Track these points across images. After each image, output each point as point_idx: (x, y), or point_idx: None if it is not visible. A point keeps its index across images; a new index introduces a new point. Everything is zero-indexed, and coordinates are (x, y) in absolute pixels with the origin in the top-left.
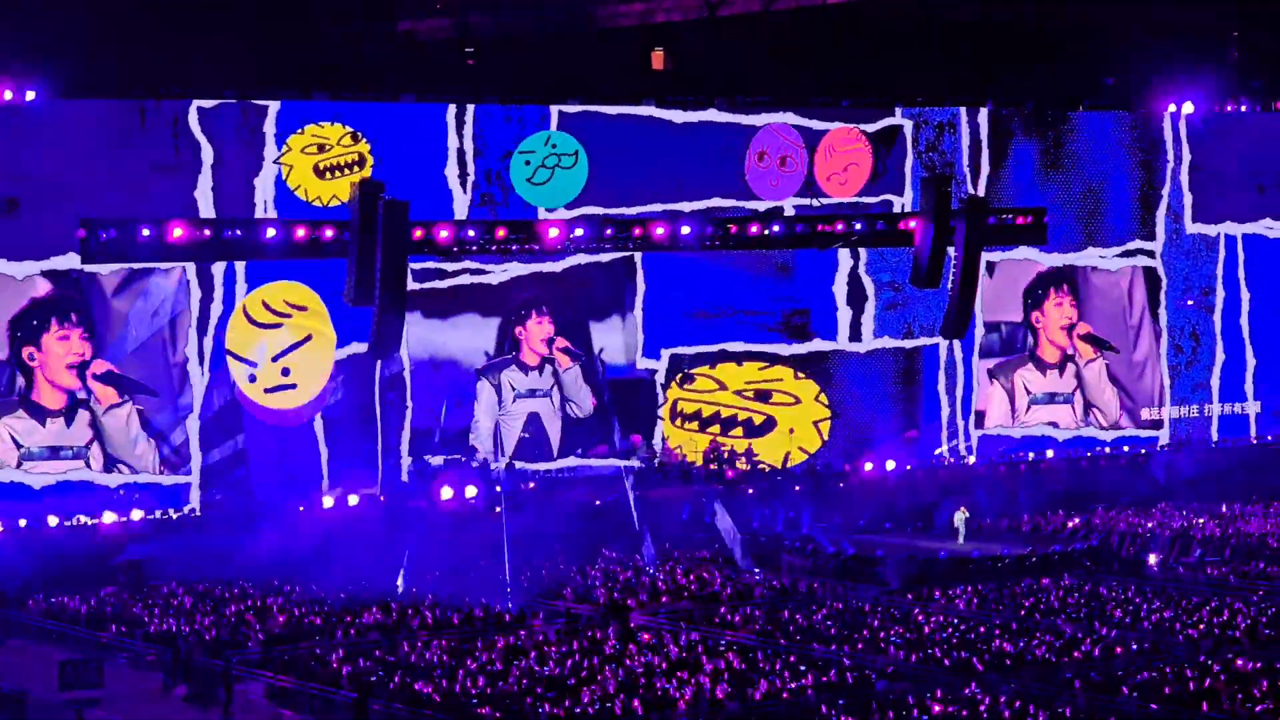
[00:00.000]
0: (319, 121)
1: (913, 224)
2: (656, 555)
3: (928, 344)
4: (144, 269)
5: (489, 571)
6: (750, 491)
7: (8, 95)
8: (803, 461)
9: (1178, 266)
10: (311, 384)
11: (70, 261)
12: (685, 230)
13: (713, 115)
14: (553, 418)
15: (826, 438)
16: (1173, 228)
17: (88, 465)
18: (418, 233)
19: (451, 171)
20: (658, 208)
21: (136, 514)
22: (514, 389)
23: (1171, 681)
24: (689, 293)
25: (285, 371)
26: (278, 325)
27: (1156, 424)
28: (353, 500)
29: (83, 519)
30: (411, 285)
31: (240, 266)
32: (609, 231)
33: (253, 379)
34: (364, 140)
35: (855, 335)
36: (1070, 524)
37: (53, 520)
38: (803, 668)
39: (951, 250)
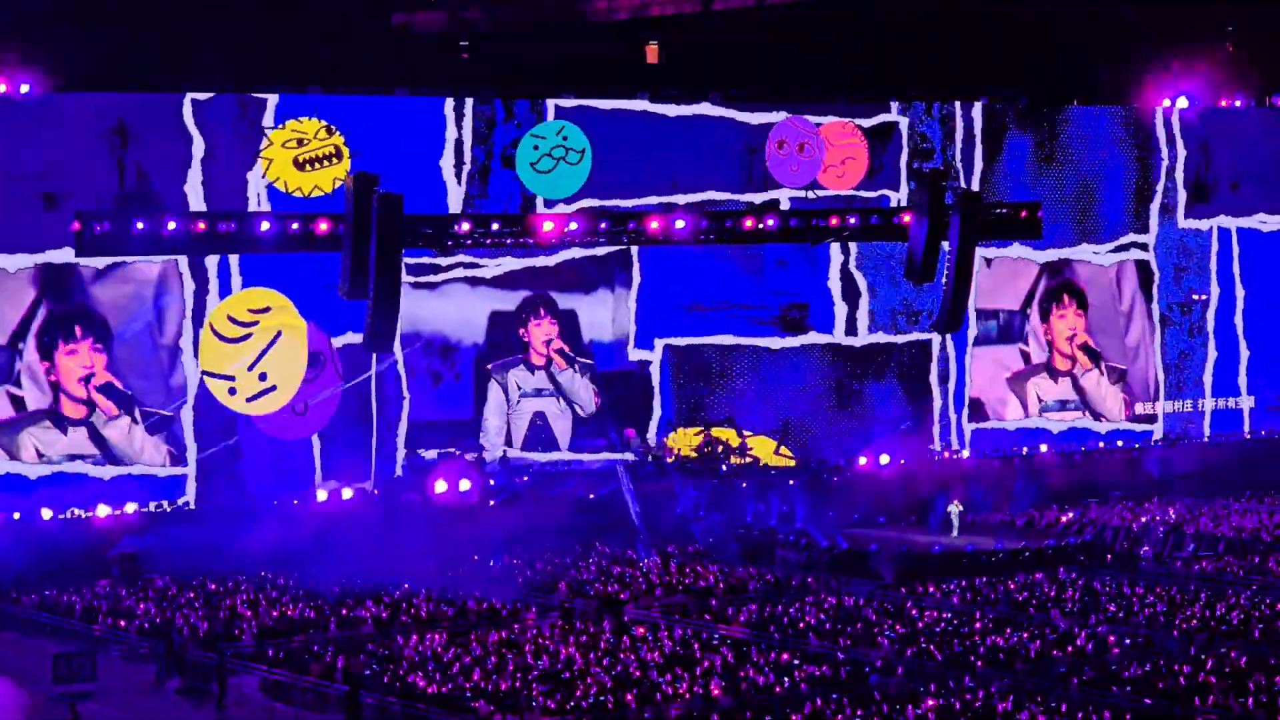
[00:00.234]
0: (299, 116)
1: (907, 218)
2: (652, 551)
3: (921, 338)
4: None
5: (483, 564)
6: (744, 485)
7: (1, 88)
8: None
9: (1171, 261)
10: (290, 380)
11: (65, 255)
12: (680, 224)
13: (707, 109)
14: (559, 416)
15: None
16: (1166, 222)
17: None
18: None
19: (447, 164)
20: (653, 200)
21: (131, 507)
22: (520, 388)
23: (1164, 676)
24: (684, 286)
25: (263, 376)
26: (247, 336)
27: (1150, 418)
28: (346, 494)
29: (77, 512)
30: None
31: (234, 259)
32: (604, 225)
33: (233, 391)
34: (339, 134)
35: (851, 329)
36: (1064, 518)
37: (47, 513)
38: (796, 662)
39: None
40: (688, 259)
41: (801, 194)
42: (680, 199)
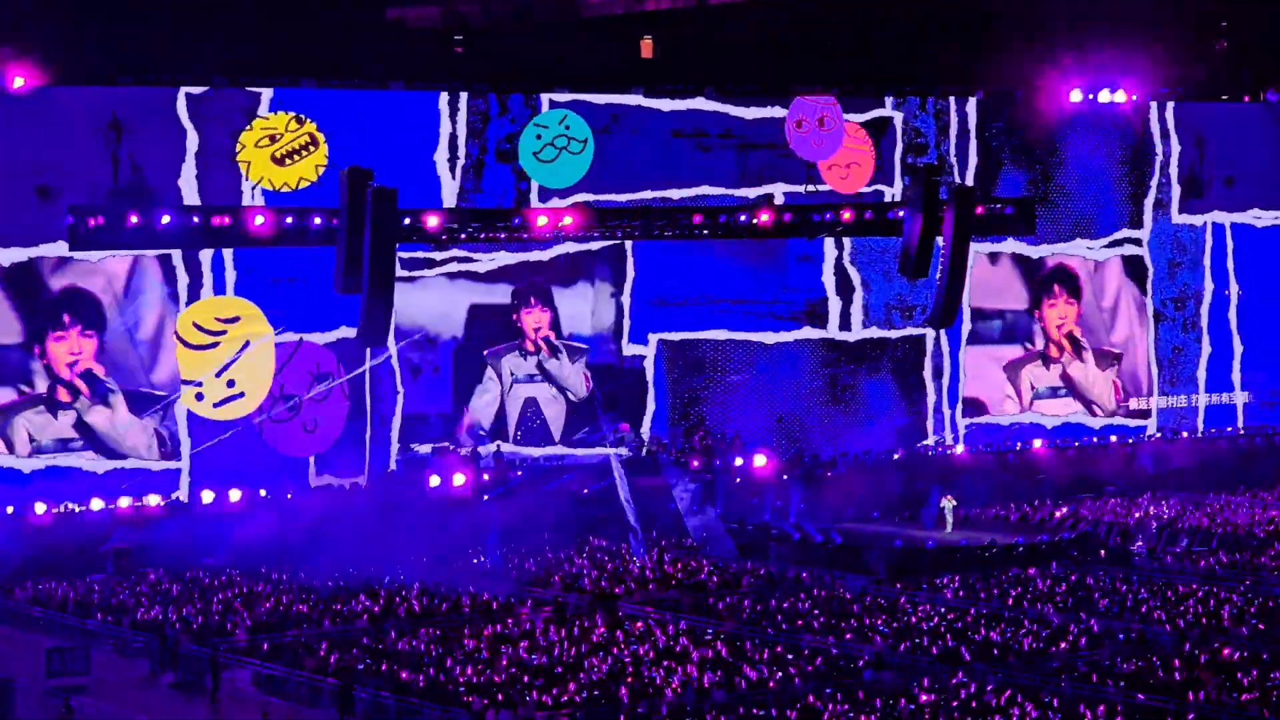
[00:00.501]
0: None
1: (901, 214)
2: (645, 546)
3: (915, 333)
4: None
5: (477, 559)
6: (738, 480)
7: None
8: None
9: (1165, 256)
10: (258, 387)
11: (59, 249)
12: (674, 220)
13: (701, 104)
14: (551, 402)
15: None
16: (1160, 218)
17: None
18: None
19: (441, 158)
20: (647, 195)
21: (124, 501)
22: (513, 375)
23: (1157, 671)
24: (678, 281)
25: (230, 383)
26: (214, 344)
27: (1144, 413)
28: (341, 485)
29: (71, 506)
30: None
31: (228, 251)
32: (598, 220)
33: (200, 397)
34: (310, 122)
35: (845, 324)
36: (1058, 513)
37: (40, 507)
38: (789, 656)
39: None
40: (681, 253)
41: (800, 189)
42: (675, 194)
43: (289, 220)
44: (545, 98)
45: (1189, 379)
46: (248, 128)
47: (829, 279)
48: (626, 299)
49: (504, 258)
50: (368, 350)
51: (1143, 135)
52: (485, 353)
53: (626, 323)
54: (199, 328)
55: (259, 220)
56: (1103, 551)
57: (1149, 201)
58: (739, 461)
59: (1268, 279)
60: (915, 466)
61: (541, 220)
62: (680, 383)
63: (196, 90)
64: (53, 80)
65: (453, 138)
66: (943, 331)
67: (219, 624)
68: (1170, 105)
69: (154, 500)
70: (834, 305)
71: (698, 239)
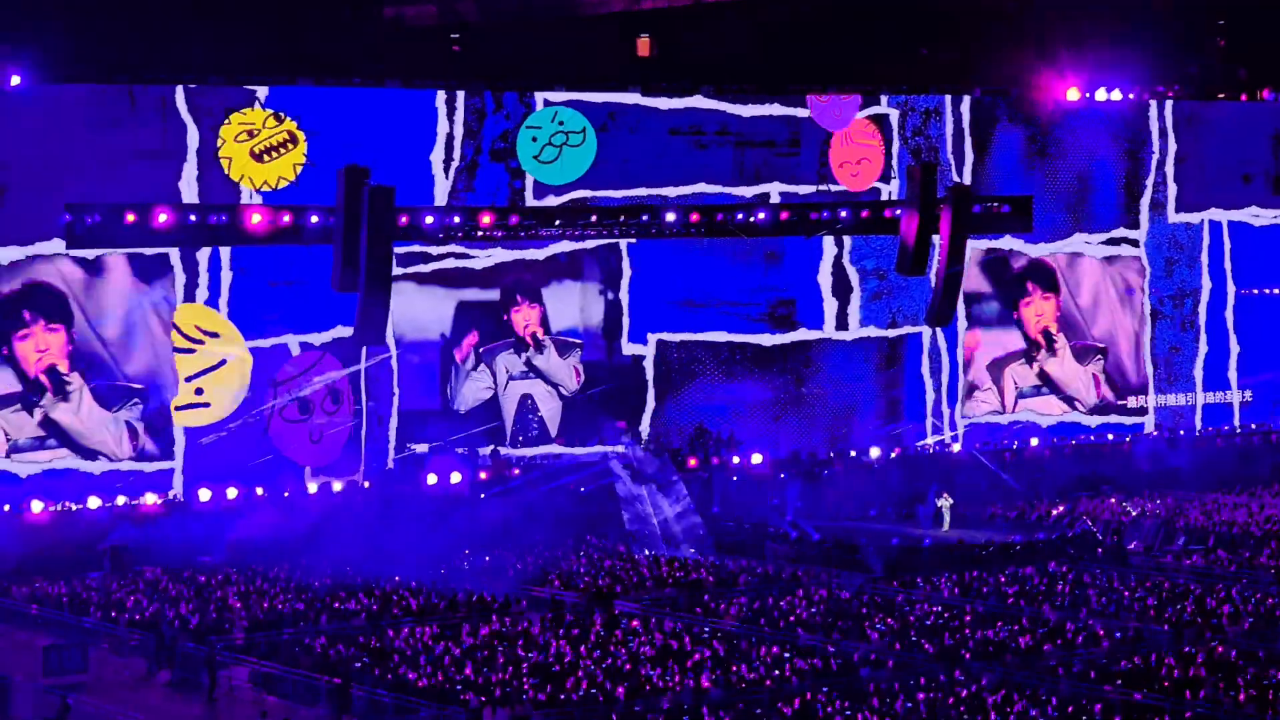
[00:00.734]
0: (241, 108)
1: (898, 212)
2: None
3: (912, 332)
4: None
5: (474, 559)
6: (735, 479)
7: None
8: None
9: (1160, 255)
10: (225, 403)
11: (55, 247)
12: (670, 217)
13: (699, 102)
14: (547, 397)
15: None
16: (1156, 216)
17: (73, 452)
18: (402, 219)
19: (437, 156)
20: (643, 193)
21: (121, 500)
22: (509, 372)
23: (1154, 669)
24: (675, 280)
25: (199, 391)
26: (190, 351)
27: (1141, 411)
28: (337, 486)
29: (68, 504)
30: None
31: (225, 251)
32: (594, 219)
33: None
34: (289, 120)
35: (841, 324)
36: (1055, 511)
37: (37, 506)
38: (787, 655)
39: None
40: (678, 251)
41: (796, 189)
42: (671, 192)
43: (286, 218)
44: (540, 96)
45: (1186, 377)
46: (225, 121)
47: (825, 278)
48: (625, 297)
49: (500, 254)
50: (363, 349)
51: (1141, 133)
52: (481, 350)
53: (626, 321)
54: (180, 332)
55: (255, 218)
56: (1100, 550)
57: (1145, 200)
58: (736, 460)
59: (1267, 278)
60: (912, 465)
61: (538, 219)
62: (679, 382)
63: (194, 88)
64: (49, 78)
65: (449, 136)
66: (939, 329)
67: (216, 622)
68: (1169, 103)
69: (151, 499)
70: (830, 306)
71: (693, 237)
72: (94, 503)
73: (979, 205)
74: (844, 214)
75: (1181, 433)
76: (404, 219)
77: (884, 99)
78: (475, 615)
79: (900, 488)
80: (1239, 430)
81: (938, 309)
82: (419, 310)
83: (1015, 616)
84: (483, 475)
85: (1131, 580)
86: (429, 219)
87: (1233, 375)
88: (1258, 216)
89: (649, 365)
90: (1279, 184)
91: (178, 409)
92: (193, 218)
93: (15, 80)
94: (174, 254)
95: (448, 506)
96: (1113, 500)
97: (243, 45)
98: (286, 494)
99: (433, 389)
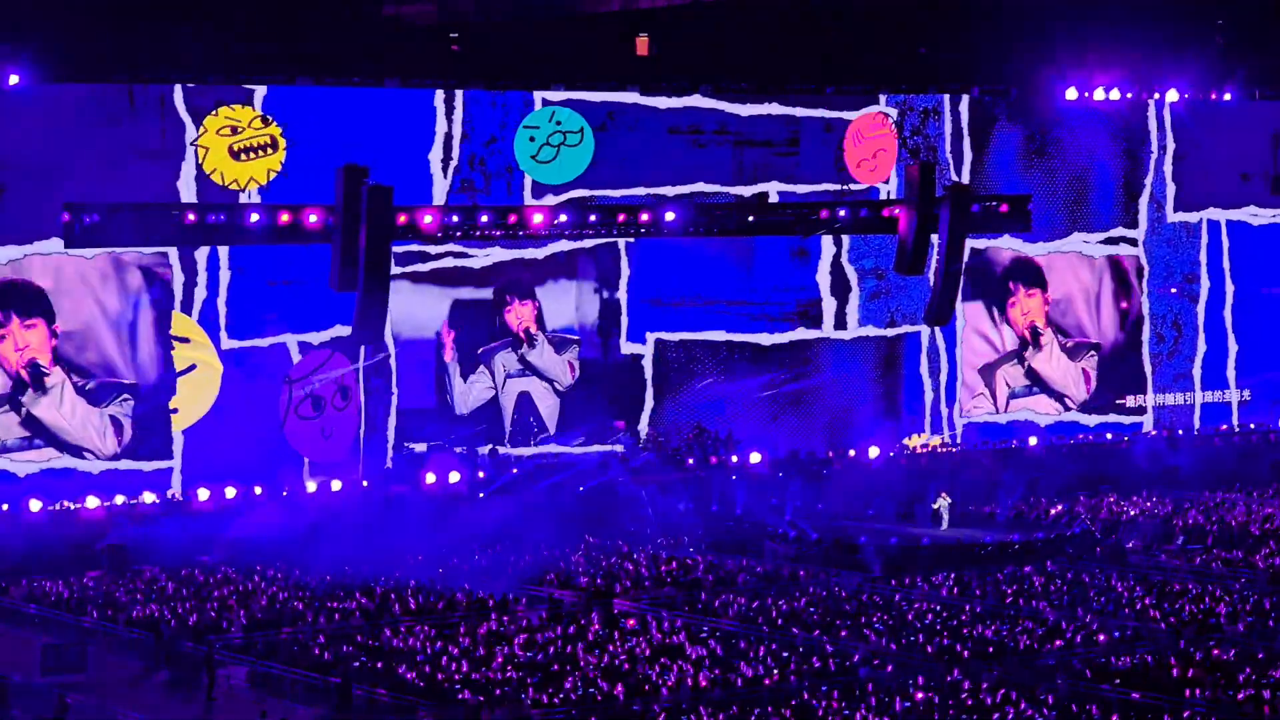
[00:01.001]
0: (231, 104)
1: (897, 211)
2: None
3: (910, 331)
4: None
5: (471, 559)
6: (734, 478)
7: None
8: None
9: (1160, 254)
10: (194, 409)
11: (54, 246)
12: (670, 216)
13: (697, 101)
14: (544, 394)
15: None
16: (1155, 215)
17: (55, 449)
18: (401, 218)
19: (435, 155)
20: (641, 192)
21: (119, 499)
22: (505, 370)
23: (1153, 668)
24: (674, 279)
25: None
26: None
27: (1139, 411)
28: (335, 486)
29: (66, 504)
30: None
31: (224, 251)
32: (593, 218)
33: None
34: (275, 124)
35: (840, 323)
36: (1053, 511)
37: (35, 505)
38: (785, 654)
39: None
40: (677, 250)
41: (792, 189)
42: (670, 191)
43: (284, 218)
44: (539, 96)
45: (1185, 377)
46: (213, 113)
47: (824, 277)
48: (624, 296)
49: (499, 253)
50: (362, 348)
51: (1139, 132)
52: (479, 351)
53: (625, 320)
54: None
55: (254, 218)
56: (1098, 549)
57: (1144, 199)
58: (735, 459)
59: (1267, 277)
60: (911, 464)
61: (537, 218)
62: (677, 381)
63: (193, 87)
64: (48, 78)
65: (447, 136)
66: (938, 329)
67: (214, 621)
68: (1167, 102)
69: (150, 498)
70: (829, 305)
71: (692, 236)
72: (92, 502)
73: (977, 204)
74: (843, 213)
75: (1180, 432)
76: (402, 218)
77: (883, 98)
78: (473, 614)
79: (898, 487)
80: (1238, 429)
81: (936, 308)
82: (414, 308)
83: (1014, 616)
84: (481, 474)
85: (1130, 580)
86: (427, 218)
87: (1231, 375)
88: (1256, 216)
89: (647, 364)
90: (1278, 183)
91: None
92: (192, 217)
93: (15, 80)
94: (172, 253)
95: (447, 506)
96: (1111, 499)
97: (242, 45)
98: (285, 493)
99: (429, 389)
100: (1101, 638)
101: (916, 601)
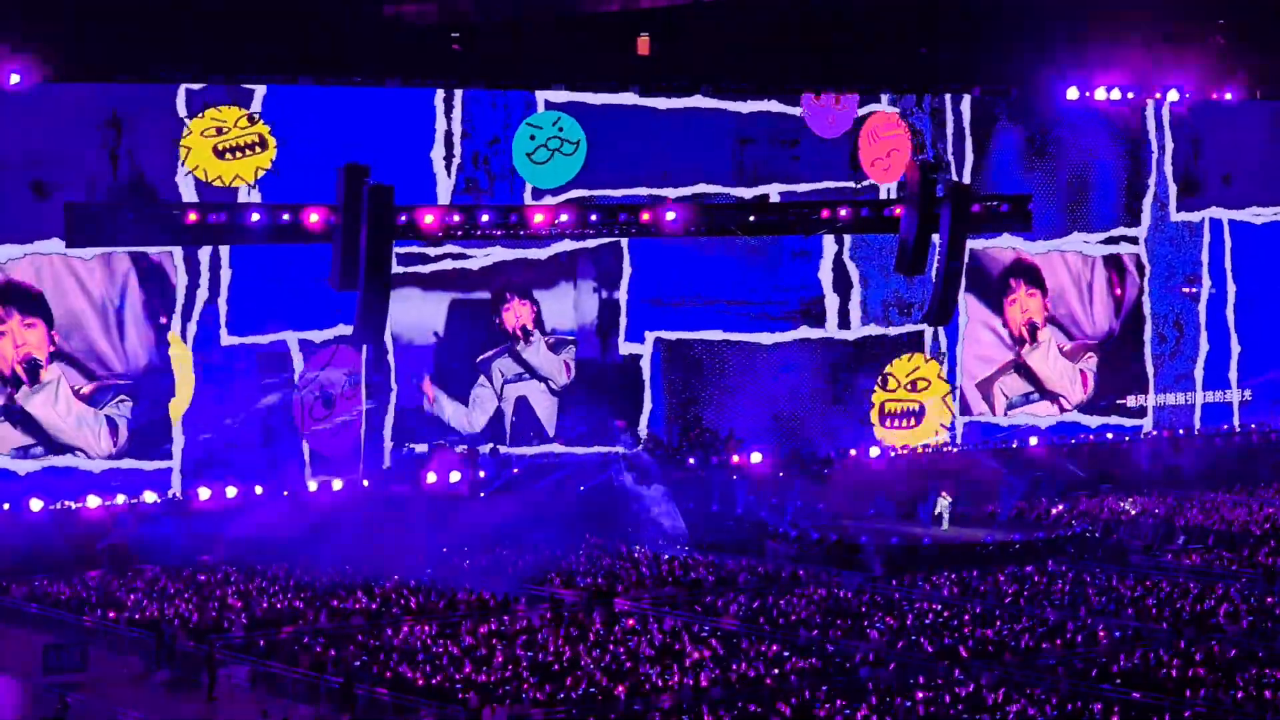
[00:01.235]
0: (219, 105)
1: (898, 211)
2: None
3: (912, 330)
4: None
5: (472, 558)
6: (735, 477)
7: None
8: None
9: (1161, 254)
10: (171, 412)
11: (54, 246)
12: (671, 216)
13: (698, 101)
14: (541, 394)
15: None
16: (1158, 215)
17: (46, 448)
18: (402, 218)
19: (437, 155)
20: (643, 192)
21: (120, 498)
22: (503, 375)
23: (1154, 668)
24: (675, 279)
25: None
26: None
27: (1140, 411)
28: (337, 485)
29: (67, 503)
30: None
31: (225, 250)
32: (594, 217)
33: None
34: (261, 122)
35: (844, 322)
36: (1054, 510)
37: (36, 504)
38: (786, 654)
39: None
40: (678, 250)
41: (793, 189)
42: (671, 192)
43: (285, 217)
44: (541, 96)
45: (1186, 377)
46: (199, 115)
47: (826, 275)
48: (624, 296)
49: (499, 253)
50: (363, 348)
51: (1139, 133)
52: (478, 360)
53: (624, 320)
54: None
55: (255, 217)
56: (1099, 549)
57: (1147, 199)
58: (735, 459)
59: (1267, 277)
60: (912, 464)
61: (539, 217)
62: (676, 381)
63: (196, 87)
64: (51, 77)
65: (448, 135)
66: (940, 328)
67: (215, 621)
68: (1167, 103)
69: (151, 497)
70: (831, 303)
71: (693, 236)
72: (93, 501)
73: (978, 204)
74: (844, 213)
75: (1181, 432)
76: (403, 218)
77: (884, 98)
78: (475, 614)
79: (900, 486)
80: (1239, 430)
81: (937, 307)
82: (412, 308)
83: (1015, 615)
84: (481, 474)
85: (1131, 579)
86: (429, 218)
87: (1233, 375)
88: (1258, 215)
89: (645, 365)
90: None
91: None
92: (193, 216)
93: (15, 79)
94: (177, 253)
95: (447, 506)
96: (1111, 499)
97: (242, 45)
98: (286, 493)
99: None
100: (1102, 637)
101: (918, 601)
